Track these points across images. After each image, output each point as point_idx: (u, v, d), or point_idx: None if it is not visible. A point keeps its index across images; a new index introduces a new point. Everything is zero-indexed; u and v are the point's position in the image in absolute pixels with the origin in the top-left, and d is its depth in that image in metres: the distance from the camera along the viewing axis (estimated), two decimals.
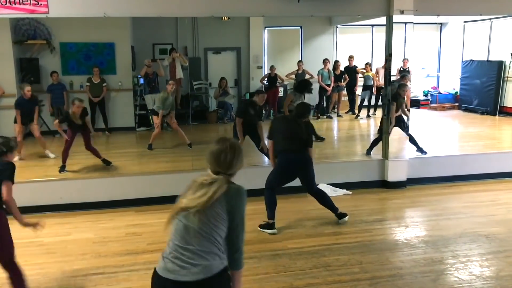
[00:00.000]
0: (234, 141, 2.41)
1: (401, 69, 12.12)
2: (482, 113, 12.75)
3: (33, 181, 6.17)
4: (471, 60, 13.55)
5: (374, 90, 12.37)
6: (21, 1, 5.45)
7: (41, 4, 5.51)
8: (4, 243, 3.45)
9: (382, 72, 12.07)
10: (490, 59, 12.95)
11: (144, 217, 5.71)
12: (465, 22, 13.89)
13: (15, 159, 7.61)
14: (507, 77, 12.37)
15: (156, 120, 8.74)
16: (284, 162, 5.14)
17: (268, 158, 6.74)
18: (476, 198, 6.21)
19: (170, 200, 6.41)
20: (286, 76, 12.40)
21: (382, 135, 7.24)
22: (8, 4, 5.42)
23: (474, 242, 4.75)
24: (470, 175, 6.94)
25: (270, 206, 5.11)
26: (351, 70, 12.59)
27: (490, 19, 12.63)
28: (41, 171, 7.10)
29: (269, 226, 5.06)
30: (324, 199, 5.30)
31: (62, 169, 6.99)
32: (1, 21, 8.92)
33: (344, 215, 5.29)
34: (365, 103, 12.51)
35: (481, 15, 8.08)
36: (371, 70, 12.48)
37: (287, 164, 5.14)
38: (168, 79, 11.16)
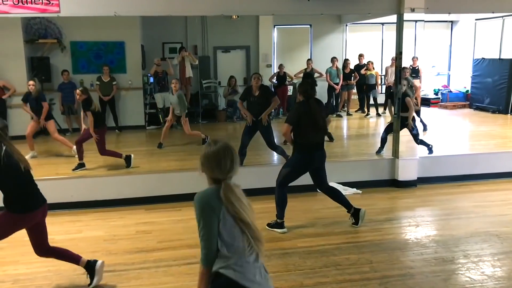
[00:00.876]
0: (228, 143, 2.33)
1: (411, 67, 12.06)
2: (494, 112, 12.64)
3: (44, 179, 6.21)
4: (483, 58, 13.43)
5: (378, 88, 12.38)
6: (33, 0, 5.49)
7: (52, 4, 5.54)
8: None
9: (390, 71, 12.06)
10: (502, 57, 12.83)
11: (154, 215, 5.73)
12: (476, 20, 13.77)
13: (27, 156, 7.73)
14: None
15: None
16: (309, 159, 4.92)
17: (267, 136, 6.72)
18: (487, 198, 6.16)
19: (179, 198, 6.50)
20: (295, 75, 12.39)
21: (387, 133, 7.27)
22: (20, 4, 5.47)
23: (486, 241, 4.71)
24: (481, 174, 6.88)
25: (281, 205, 5.03)
26: (361, 69, 12.55)
27: (502, 16, 12.52)
28: (53, 169, 7.16)
29: (279, 225, 5.05)
30: (337, 196, 5.20)
31: (79, 167, 7.04)
32: (13, 20, 9.00)
33: (358, 211, 5.12)
34: (371, 101, 12.49)
35: (493, 12, 7.99)
36: (374, 68, 12.46)
37: (312, 161, 4.93)
38: (177, 78, 11.19)
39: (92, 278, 3.88)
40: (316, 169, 5.03)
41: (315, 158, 4.94)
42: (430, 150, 7.52)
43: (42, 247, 3.79)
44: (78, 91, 7.16)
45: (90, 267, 3.90)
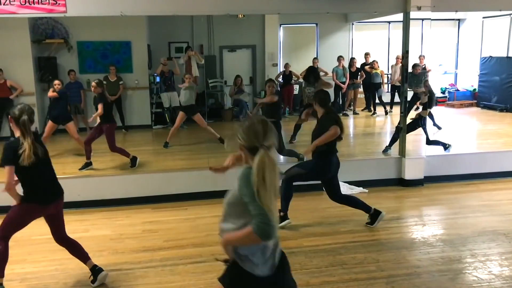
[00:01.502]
0: (263, 117, 2.42)
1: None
2: (501, 110, 12.56)
3: None
4: (490, 56, 13.34)
5: (383, 87, 12.36)
6: (40, 0, 5.52)
7: (59, 4, 5.57)
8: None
9: (394, 70, 12.04)
10: (509, 55, 12.73)
11: (160, 214, 5.75)
12: (484, 18, 13.68)
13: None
14: None
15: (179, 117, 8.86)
16: (328, 166, 4.88)
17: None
18: (495, 197, 6.12)
19: (186, 197, 6.50)
20: (301, 74, 12.37)
21: (399, 132, 7.22)
22: (27, 4, 5.50)
23: (493, 241, 4.68)
24: (488, 173, 6.85)
25: (287, 198, 5.02)
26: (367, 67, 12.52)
27: (509, 14, 12.41)
28: (60, 168, 7.15)
29: (282, 218, 5.02)
30: (354, 202, 5.13)
31: (86, 166, 7.05)
32: (20, 20, 9.05)
33: (379, 213, 5.08)
34: (377, 100, 12.45)
35: (500, 10, 7.94)
36: (379, 67, 12.42)
37: (330, 168, 4.89)
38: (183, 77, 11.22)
39: (94, 280, 3.93)
40: (331, 178, 4.99)
41: (332, 165, 4.91)
42: (447, 149, 7.46)
43: (58, 236, 3.92)
44: (93, 83, 7.22)
45: (94, 272, 3.94)
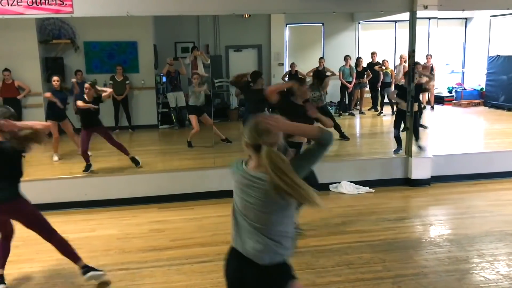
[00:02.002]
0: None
1: (425, 65, 11.99)
2: (509, 110, 12.47)
3: (58, 178, 6.29)
4: (498, 55, 13.25)
5: (392, 86, 12.31)
6: (46, 1, 5.55)
7: (66, 4, 5.60)
8: None
9: (398, 69, 11.97)
10: None
11: (166, 213, 5.77)
12: (491, 16, 13.58)
13: (55, 158, 7.76)
14: None
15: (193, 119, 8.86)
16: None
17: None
18: (502, 197, 6.08)
19: (192, 197, 6.49)
20: (307, 73, 12.34)
21: (398, 130, 7.21)
22: (34, 5, 5.53)
23: (501, 241, 4.66)
24: (496, 172, 6.80)
25: None
26: (374, 67, 12.47)
27: None
28: (67, 168, 7.23)
29: None
30: None
31: (88, 168, 7.06)
32: (27, 21, 9.10)
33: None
34: (385, 99, 12.40)
35: (508, 9, 7.88)
36: (389, 66, 12.38)
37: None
38: (190, 77, 11.24)
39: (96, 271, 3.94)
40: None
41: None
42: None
43: (43, 236, 3.86)
44: (87, 85, 7.18)
45: (85, 271, 3.91)
